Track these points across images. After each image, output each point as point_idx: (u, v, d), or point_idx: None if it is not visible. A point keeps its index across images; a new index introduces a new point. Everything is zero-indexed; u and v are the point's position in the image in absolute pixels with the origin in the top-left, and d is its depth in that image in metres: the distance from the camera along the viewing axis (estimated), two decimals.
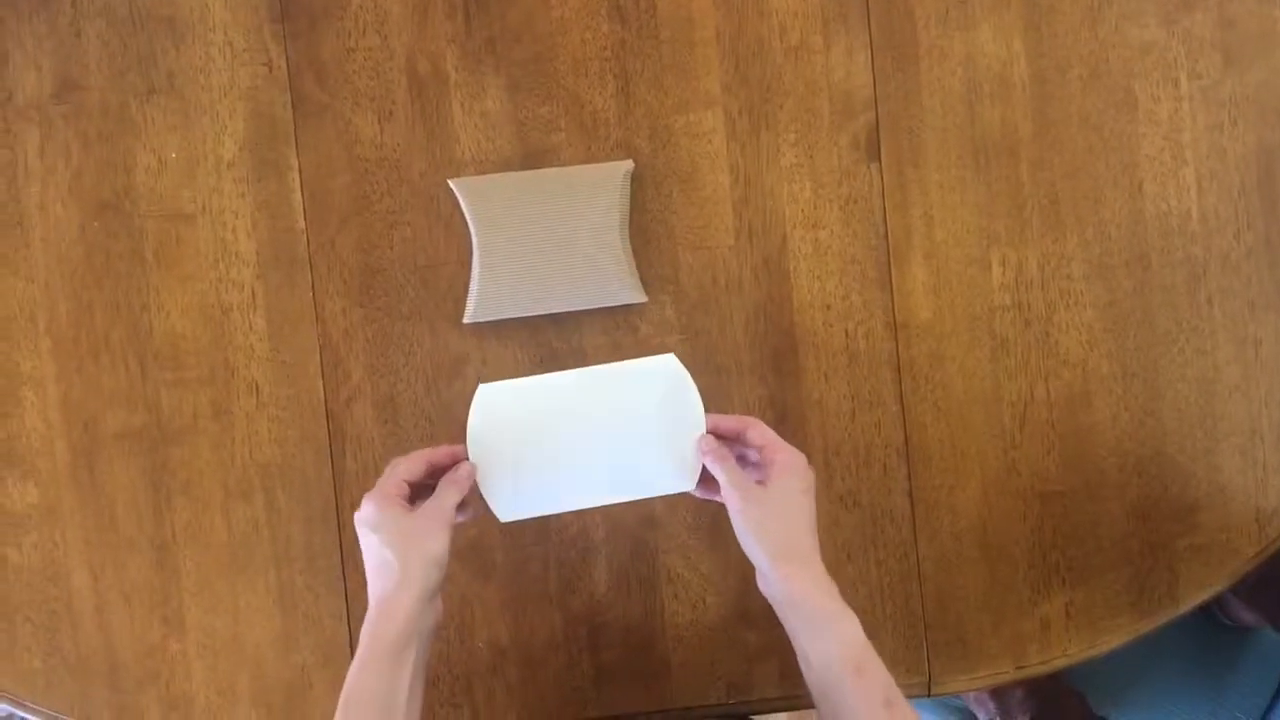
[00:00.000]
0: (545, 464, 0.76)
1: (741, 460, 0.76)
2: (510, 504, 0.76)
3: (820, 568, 0.73)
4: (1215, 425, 0.87)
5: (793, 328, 0.86)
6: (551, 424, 0.76)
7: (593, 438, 0.76)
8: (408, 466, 0.74)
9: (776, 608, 0.73)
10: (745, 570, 0.86)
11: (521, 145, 0.86)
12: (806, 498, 0.73)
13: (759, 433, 0.76)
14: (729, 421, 0.77)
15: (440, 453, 0.76)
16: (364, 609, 0.84)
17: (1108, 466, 0.87)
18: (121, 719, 0.85)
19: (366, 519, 0.71)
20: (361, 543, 0.72)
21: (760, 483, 0.74)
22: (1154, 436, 0.87)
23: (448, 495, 0.73)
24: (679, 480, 0.77)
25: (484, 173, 0.85)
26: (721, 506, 0.74)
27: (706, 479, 0.76)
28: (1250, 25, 0.87)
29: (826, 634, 0.70)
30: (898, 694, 0.70)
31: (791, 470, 0.73)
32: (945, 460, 0.87)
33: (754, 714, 0.90)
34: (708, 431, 0.76)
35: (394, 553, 0.70)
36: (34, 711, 0.85)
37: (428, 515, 0.72)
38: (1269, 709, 1.10)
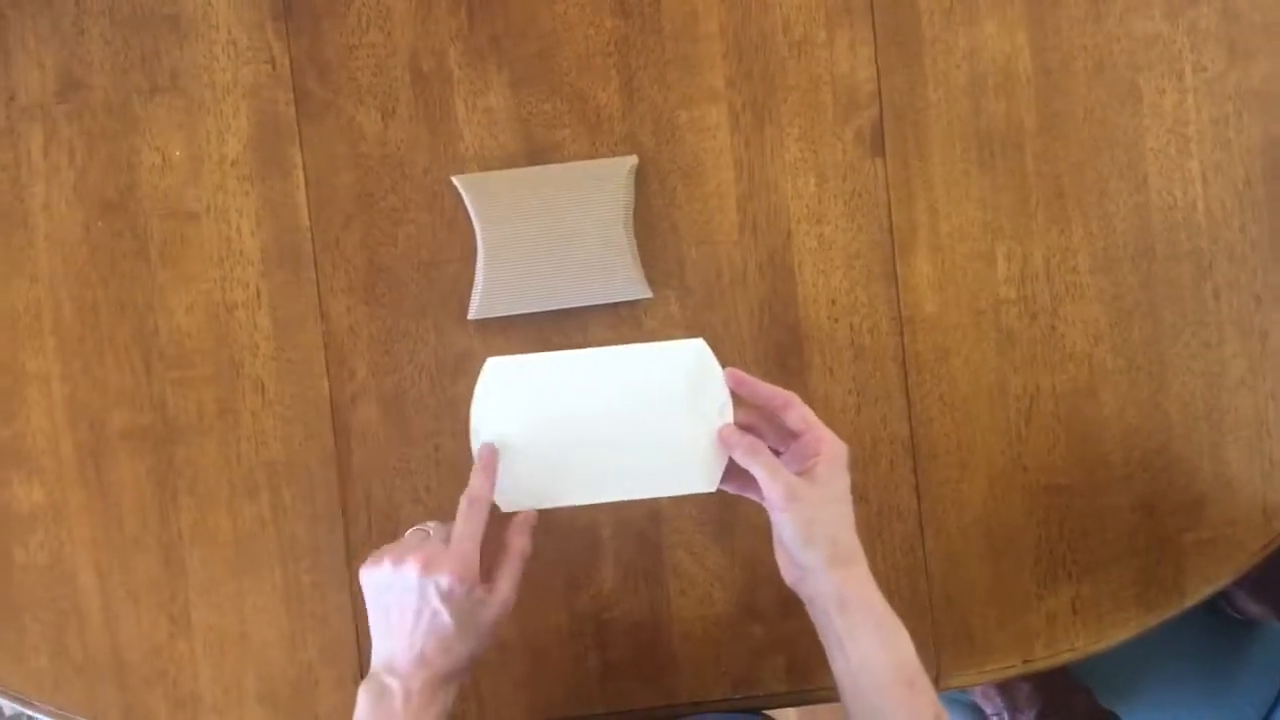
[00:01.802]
0: (554, 451, 0.71)
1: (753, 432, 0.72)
2: (512, 493, 0.72)
3: (868, 567, 0.70)
4: (1221, 419, 0.87)
5: (798, 323, 0.86)
6: (563, 407, 0.71)
7: (607, 425, 0.71)
8: (477, 530, 0.69)
9: (815, 607, 0.70)
10: (752, 565, 0.86)
11: (525, 141, 0.86)
12: (849, 492, 0.70)
13: (800, 415, 0.70)
14: (766, 391, 0.71)
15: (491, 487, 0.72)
16: None
17: (1114, 460, 0.87)
18: (129, 718, 0.85)
19: (450, 597, 0.67)
20: (413, 608, 0.68)
21: (801, 474, 0.69)
22: (1160, 430, 0.87)
23: (514, 567, 0.71)
24: (700, 479, 0.72)
25: (488, 169, 0.85)
26: (736, 498, 0.73)
27: (734, 470, 0.71)
28: (1255, 18, 0.86)
29: (879, 641, 0.68)
30: (941, 708, 0.68)
31: (838, 462, 0.69)
32: (951, 455, 0.87)
33: (761, 709, 0.90)
34: (736, 407, 0.71)
35: (460, 645, 0.68)
36: (42, 711, 0.85)
37: (498, 608, 0.69)
38: (1276, 702, 1.10)
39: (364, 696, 0.68)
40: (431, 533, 0.73)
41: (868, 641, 0.68)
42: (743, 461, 0.70)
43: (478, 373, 0.85)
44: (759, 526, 0.86)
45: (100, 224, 0.85)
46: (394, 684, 0.68)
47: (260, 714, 0.85)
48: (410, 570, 0.68)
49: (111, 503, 0.85)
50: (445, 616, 0.67)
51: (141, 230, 0.85)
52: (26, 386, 0.85)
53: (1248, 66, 0.86)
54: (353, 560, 0.85)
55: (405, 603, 0.68)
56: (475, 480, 0.71)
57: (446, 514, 0.85)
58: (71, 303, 0.85)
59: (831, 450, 0.69)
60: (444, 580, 0.67)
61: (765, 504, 0.70)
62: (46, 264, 0.85)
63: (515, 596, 0.70)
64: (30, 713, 0.86)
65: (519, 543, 0.72)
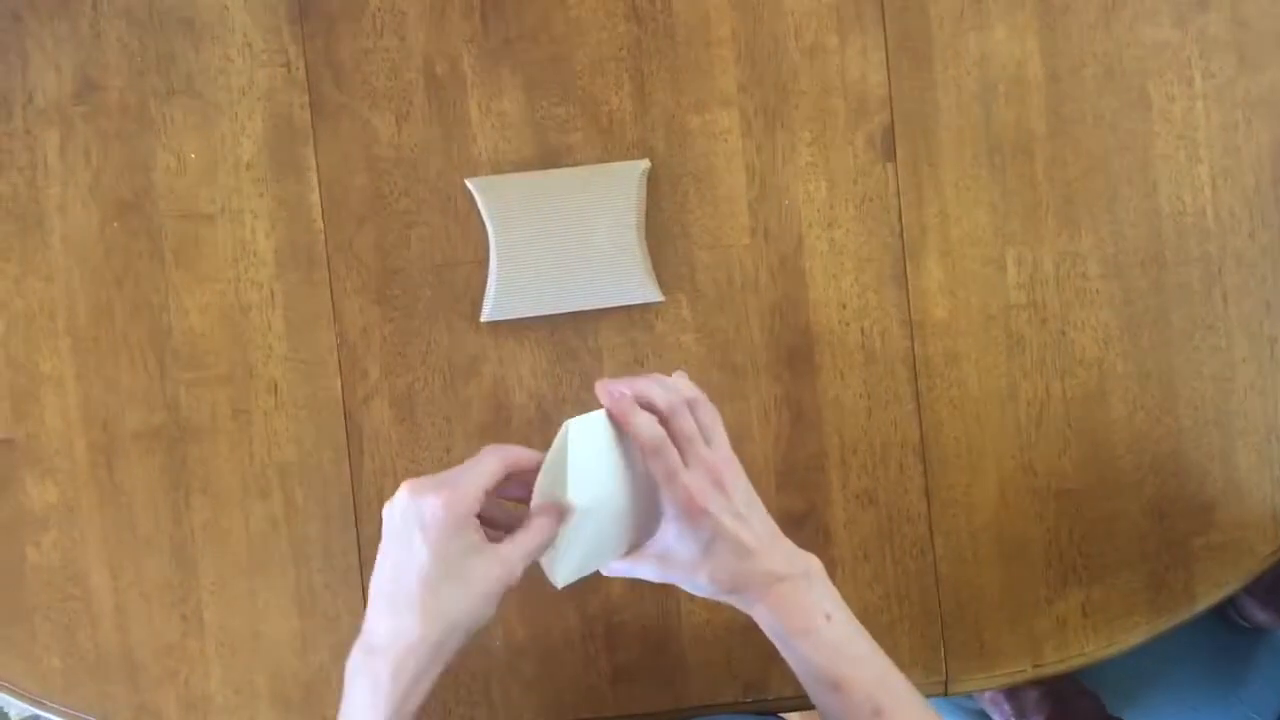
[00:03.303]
0: (607, 514, 0.68)
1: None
2: (570, 562, 0.67)
3: (775, 563, 0.69)
4: (1231, 423, 0.87)
5: (809, 326, 0.87)
6: (615, 471, 0.68)
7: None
8: (491, 469, 0.63)
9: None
10: None
11: (538, 145, 0.86)
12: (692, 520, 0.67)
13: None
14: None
15: (528, 457, 0.65)
16: None
17: (1124, 465, 0.87)
18: (140, 718, 0.85)
19: (429, 525, 0.59)
20: (396, 539, 0.61)
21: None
22: (1170, 435, 0.87)
23: (532, 541, 0.63)
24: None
25: (501, 172, 0.86)
26: None
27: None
28: (1264, 25, 0.87)
29: (798, 648, 0.68)
30: (887, 696, 0.67)
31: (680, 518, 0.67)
32: (961, 459, 0.87)
33: (772, 713, 0.90)
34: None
35: (442, 595, 0.60)
36: (53, 710, 0.85)
37: (497, 566, 0.61)
38: None
39: (348, 670, 0.64)
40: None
41: (787, 651, 0.69)
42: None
43: (489, 375, 0.86)
44: None
45: (115, 225, 0.85)
46: (366, 659, 0.62)
47: (272, 715, 0.85)
48: (400, 494, 0.61)
49: (124, 503, 0.85)
50: (423, 551, 0.60)
51: (156, 231, 0.85)
52: (40, 387, 0.85)
53: (1257, 73, 0.87)
54: (365, 562, 0.85)
55: (390, 534, 0.62)
56: (519, 450, 0.65)
57: None
58: (86, 303, 0.85)
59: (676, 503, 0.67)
60: (427, 506, 0.60)
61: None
62: (62, 265, 0.85)
63: (521, 572, 0.63)
64: (41, 713, 0.86)
65: (543, 521, 0.64)
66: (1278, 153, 0.87)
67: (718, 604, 0.86)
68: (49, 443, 0.85)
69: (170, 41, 0.85)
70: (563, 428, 0.64)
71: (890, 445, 0.87)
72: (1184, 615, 0.87)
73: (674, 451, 0.67)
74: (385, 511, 0.64)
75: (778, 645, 0.70)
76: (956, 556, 0.87)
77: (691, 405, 0.69)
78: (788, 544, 0.71)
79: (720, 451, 0.69)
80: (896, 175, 0.87)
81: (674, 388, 0.69)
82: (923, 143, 0.87)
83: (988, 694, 1.14)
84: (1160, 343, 0.87)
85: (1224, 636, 1.14)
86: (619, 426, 0.67)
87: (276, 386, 0.85)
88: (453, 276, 0.86)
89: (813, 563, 0.70)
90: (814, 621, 0.68)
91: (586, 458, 0.66)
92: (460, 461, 0.84)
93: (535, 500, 0.65)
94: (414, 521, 0.60)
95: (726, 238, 0.86)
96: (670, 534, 0.69)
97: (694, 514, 0.67)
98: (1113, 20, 0.87)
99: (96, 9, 0.85)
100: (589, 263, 0.84)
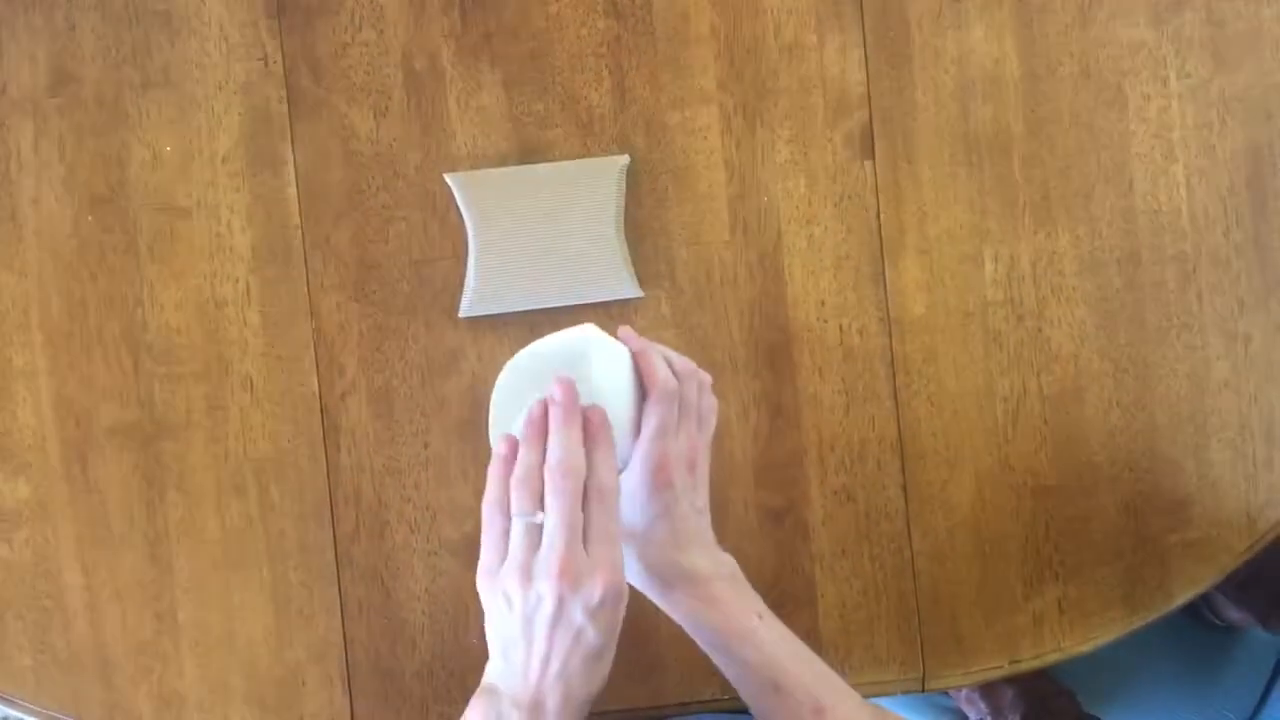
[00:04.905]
0: None
1: None
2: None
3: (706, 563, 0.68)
4: (1206, 421, 0.88)
5: (787, 323, 0.87)
6: None
7: None
8: (616, 524, 0.62)
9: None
10: (740, 566, 0.86)
11: (517, 140, 0.86)
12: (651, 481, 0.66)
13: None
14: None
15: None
16: (357, 605, 0.85)
17: (1099, 462, 0.88)
18: (113, 717, 0.84)
19: (598, 605, 0.59)
20: (547, 614, 0.60)
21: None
22: (1145, 432, 0.88)
23: None
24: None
25: (480, 168, 0.86)
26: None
27: None
28: (1239, 25, 0.88)
29: (736, 651, 0.67)
30: (827, 692, 0.66)
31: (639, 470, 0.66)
32: (939, 455, 0.87)
33: (748, 712, 0.90)
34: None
35: (605, 660, 0.62)
36: (25, 710, 0.84)
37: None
38: (1257, 708, 1.11)
39: (477, 714, 0.63)
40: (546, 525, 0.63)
41: (719, 656, 0.68)
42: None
43: (468, 371, 0.86)
44: (747, 527, 0.86)
45: (90, 219, 0.84)
46: (516, 715, 0.61)
47: (246, 712, 0.85)
48: (547, 588, 0.59)
49: (98, 499, 0.84)
50: (591, 634, 0.60)
51: (131, 225, 0.85)
52: (13, 382, 0.84)
53: (1232, 73, 0.88)
54: (340, 559, 0.85)
55: (540, 620, 0.60)
56: (596, 461, 0.62)
57: (441, 510, 0.85)
58: (60, 298, 0.84)
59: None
60: (595, 593, 0.59)
61: None
62: (35, 259, 0.84)
63: None
64: (13, 712, 0.85)
65: None
66: (1252, 152, 0.88)
67: None
68: (21, 439, 0.84)
69: (146, 34, 0.85)
70: (583, 327, 0.67)
71: (868, 442, 0.87)
72: (1159, 611, 0.88)
73: (675, 412, 0.66)
74: (498, 599, 0.63)
75: (711, 650, 0.68)
76: (934, 553, 0.87)
77: (700, 387, 0.70)
78: (715, 547, 0.70)
79: (704, 438, 0.69)
80: (875, 173, 0.87)
81: (691, 364, 0.70)
82: (901, 141, 0.87)
83: (964, 692, 1.15)
84: (1136, 340, 0.88)
85: (1198, 635, 1.15)
86: (635, 368, 0.67)
87: (252, 382, 0.85)
88: (431, 272, 0.86)
89: (733, 564, 0.70)
90: (749, 621, 0.67)
91: (602, 366, 0.66)
92: (439, 456, 0.85)
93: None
94: (579, 611, 0.60)
95: (705, 234, 0.86)
96: (622, 494, 0.66)
97: (661, 482, 0.66)
98: (1089, 20, 0.87)
99: (71, 1, 0.84)
100: (568, 259, 0.84)
